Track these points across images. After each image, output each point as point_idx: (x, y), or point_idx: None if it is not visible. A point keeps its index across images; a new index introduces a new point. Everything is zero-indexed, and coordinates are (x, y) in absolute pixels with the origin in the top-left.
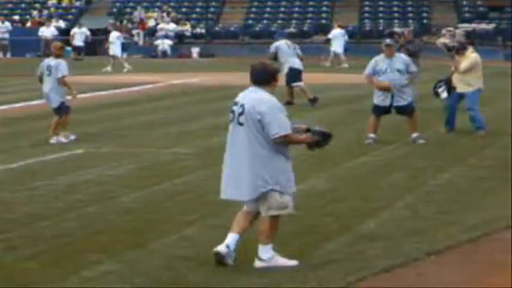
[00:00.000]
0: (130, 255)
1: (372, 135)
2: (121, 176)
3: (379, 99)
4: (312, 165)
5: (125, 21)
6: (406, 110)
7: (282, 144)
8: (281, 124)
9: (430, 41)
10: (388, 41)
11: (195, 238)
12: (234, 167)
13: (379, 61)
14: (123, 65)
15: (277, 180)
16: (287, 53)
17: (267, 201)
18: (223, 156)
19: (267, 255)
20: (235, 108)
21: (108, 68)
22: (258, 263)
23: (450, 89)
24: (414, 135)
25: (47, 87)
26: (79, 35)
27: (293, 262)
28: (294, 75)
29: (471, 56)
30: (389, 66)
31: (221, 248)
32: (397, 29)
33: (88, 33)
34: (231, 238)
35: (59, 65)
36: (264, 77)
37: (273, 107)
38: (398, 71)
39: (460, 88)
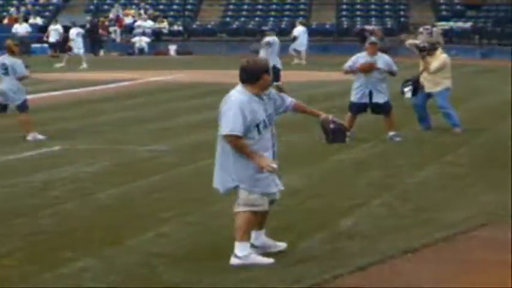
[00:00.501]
0: (106, 252)
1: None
2: (98, 173)
3: (357, 96)
4: (288, 163)
5: (101, 18)
6: (384, 108)
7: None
8: (227, 123)
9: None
10: (372, 39)
11: (172, 235)
12: (216, 160)
13: (360, 58)
14: (81, 62)
15: (241, 178)
16: (276, 50)
17: (238, 197)
18: None
19: (242, 252)
20: None
21: (62, 64)
22: (233, 260)
23: (417, 89)
24: (391, 133)
25: (3, 86)
26: (54, 32)
27: (270, 260)
28: (277, 74)
29: (441, 56)
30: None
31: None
32: (367, 27)
33: (61, 30)
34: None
35: (14, 65)
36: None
37: (230, 105)
38: (377, 68)
39: (428, 88)
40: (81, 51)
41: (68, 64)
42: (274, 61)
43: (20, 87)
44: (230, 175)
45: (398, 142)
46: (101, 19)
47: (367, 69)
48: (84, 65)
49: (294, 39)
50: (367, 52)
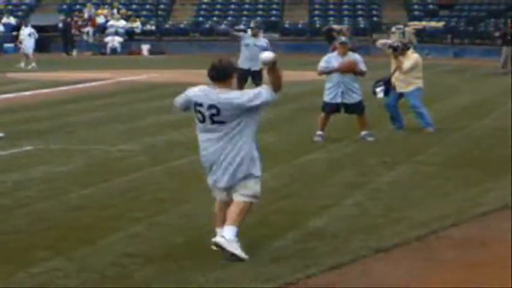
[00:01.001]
0: (78, 252)
1: (320, 132)
2: (70, 172)
3: (329, 96)
4: (261, 162)
5: (75, 18)
6: (357, 108)
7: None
8: (256, 96)
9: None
10: (343, 38)
11: (144, 235)
12: (220, 160)
13: (333, 58)
14: (30, 62)
15: (258, 169)
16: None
17: (246, 187)
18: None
19: (230, 236)
20: None
21: (22, 64)
22: (219, 239)
23: (389, 89)
24: (363, 132)
25: None
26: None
27: (246, 256)
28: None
29: (413, 56)
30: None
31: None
32: (335, 26)
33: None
34: None
35: None
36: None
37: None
38: None
39: (400, 88)
40: (30, 50)
41: (25, 64)
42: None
43: None
44: (249, 167)
45: (371, 142)
46: (75, 18)
47: (349, 69)
48: (33, 65)
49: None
50: (338, 52)
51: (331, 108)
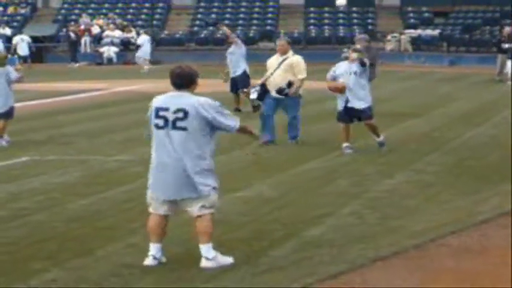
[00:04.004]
0: (76, 263)
1: (346, 144)
2: (66, 183)
3: (340, 105)
4: (256, 172)
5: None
6: (363, 115)
7: None
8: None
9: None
10: (357, 46)
11: (141, 245)
12: (177, 168)
13: (340, 64)
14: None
15: (216, 180)
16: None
17: (205, 199)
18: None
19: (212, 254)
20: None
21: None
22: (206, 263)
23: (265, 92)
24: (378, 139)
25: None
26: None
27: (230, 259)
28: (247, 80)
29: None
30: (347, 70)
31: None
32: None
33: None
34: None
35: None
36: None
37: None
38: (355, 73)
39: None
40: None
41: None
42: (245, 67)
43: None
44: (207, 178)
45: (385, 151)
46: (71, 28)
47: (336, 90)
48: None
49: (138, 47)
50: (349, 59)
51: (344, 116)
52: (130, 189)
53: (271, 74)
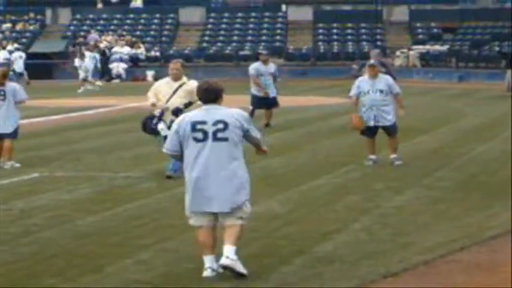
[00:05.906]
0: (86, 279)
1: (372, 156)
2: (76, 200)
3: (364, 120)
4: (267, 188)
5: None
6: (390, 130)
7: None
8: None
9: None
10: (372, 61)
11: (151, 262)
12: (217, 179)
13: (363, 82)
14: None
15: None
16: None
17: (241, 211)
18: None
19: (235, 256)
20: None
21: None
22: (226, 261)
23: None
24: (392, 156)
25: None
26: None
27: (245, 271)
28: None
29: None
30: (372, 87)
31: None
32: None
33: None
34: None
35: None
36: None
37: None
38: (381, 91)
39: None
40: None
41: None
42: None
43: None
44: (245, 189)
45: (377, 166)
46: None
47: (359, 125)
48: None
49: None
50: (368, 74)
51: (369, 131)
52: (140, 205)
53: (167, 100)
